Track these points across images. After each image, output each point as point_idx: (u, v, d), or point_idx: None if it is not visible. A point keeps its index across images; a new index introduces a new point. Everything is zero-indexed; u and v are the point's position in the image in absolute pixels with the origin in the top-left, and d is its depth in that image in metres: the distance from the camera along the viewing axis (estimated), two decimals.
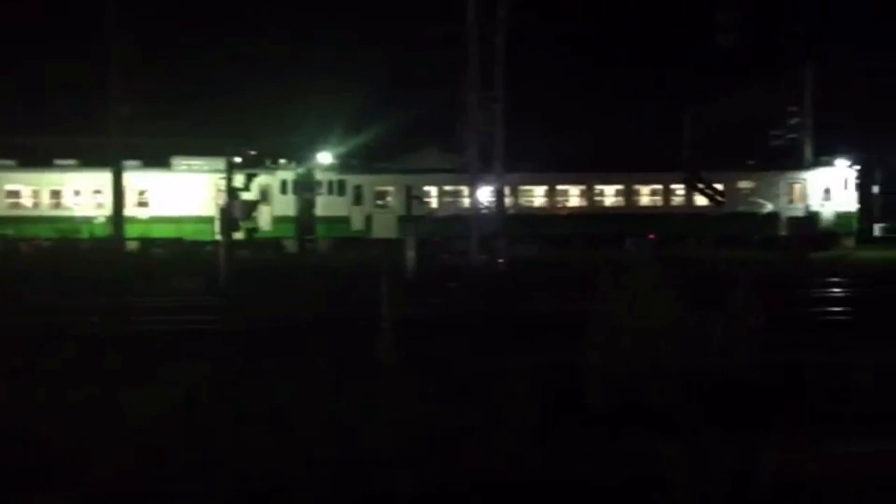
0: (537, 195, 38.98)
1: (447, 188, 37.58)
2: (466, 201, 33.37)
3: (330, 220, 36.68)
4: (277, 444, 5.32)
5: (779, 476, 4.42)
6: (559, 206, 38.77)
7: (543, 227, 36.49)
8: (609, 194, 39.07)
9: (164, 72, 39.42)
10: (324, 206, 36.83)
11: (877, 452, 5.07)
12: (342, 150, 39.51)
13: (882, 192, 43.85)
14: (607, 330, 6.40)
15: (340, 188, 37.33)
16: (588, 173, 38.80)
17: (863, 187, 40.55)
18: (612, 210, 38.30)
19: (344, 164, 38.56)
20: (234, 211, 25.55)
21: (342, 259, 31.08)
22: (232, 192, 26.71)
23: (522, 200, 38.38)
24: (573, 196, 39.17)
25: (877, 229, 41.88)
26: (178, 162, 36.39)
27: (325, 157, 38.52)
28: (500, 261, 27.98)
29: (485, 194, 31.81)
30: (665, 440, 4.98)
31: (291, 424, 5.74)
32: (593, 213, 37.81)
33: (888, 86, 43.89)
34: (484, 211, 31.06)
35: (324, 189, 37.02)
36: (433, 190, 38.12)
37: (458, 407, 6.15)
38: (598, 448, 5.05)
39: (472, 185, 31.51)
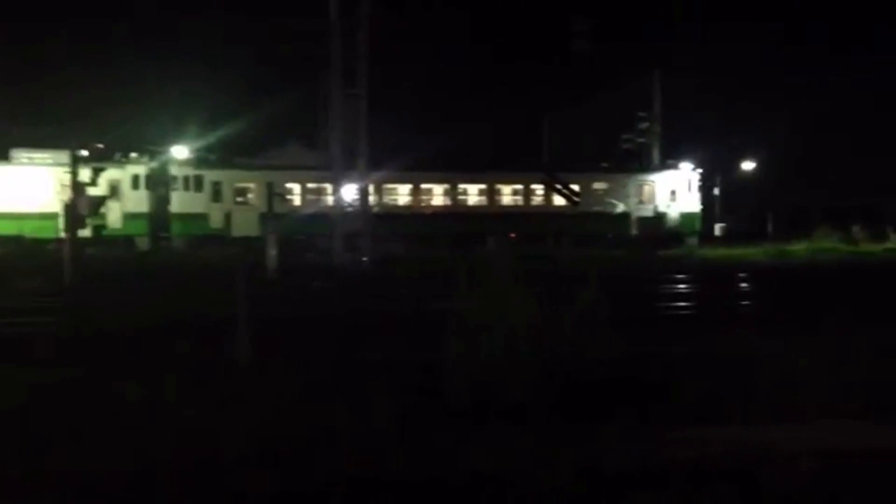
0: (402, 193, 39.17)
1: (311, 185, 37.05)
2: (330, 199, 33.01)
3: (186, 217, 35.29)
4: (122, 452, 5.03)
5: (624, 465, 4.62)
6: (423, 204, 39.13)
7: (408, 225, 36.69)
8: (472, 193, 39.84)
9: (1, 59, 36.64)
10: (180, 202, 35.38)
11: (715, 438, 5.41)
12: (200, 144, 38.09)
13: (722, 193, 47.13)
14: (465, 327, 6.48)
15: (198, 184, 35.97)
16: (452, 173, 39.42)
17: (705, 189, 43.42)
18: (475, 209, 39.07)
19: (202, 159, 37.20)
20: (80, 207, 24.12)
21: (198, 257, 29.95)
22: (77, 186, 25.19)
23: (387, 199, 38.44)
24: (437, 195, 39.66)
25: (717, 229, 44.96)
26: (19, 154, 33.90)
27: (180, 152, 37.00)
28: (364, 259, 27.90)
29: (349, 192, 31.59)
30: (519, 436, 5.10)
31: (138, 431, 5.46)
32: (457, 212, 38.42)
33: (728, 93, 47.16)
34: (348, 209, 30.85)
35: (179, 185, 35.55)
36: (296, 187, 37.47)
37: (316, 407, 6.05)
38: (455, 445, 5.10)
39: (336, 183, 31.22)
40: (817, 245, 34.12)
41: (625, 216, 39.98)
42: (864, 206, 44.25)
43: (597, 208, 39.75)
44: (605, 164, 43.00)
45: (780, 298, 16.81)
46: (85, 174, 27.81)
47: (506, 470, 4.50)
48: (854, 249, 33.72)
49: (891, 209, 44.90)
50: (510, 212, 39.01)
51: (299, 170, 37.43)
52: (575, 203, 39.54)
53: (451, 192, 39.42)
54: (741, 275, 24.07)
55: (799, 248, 33.48)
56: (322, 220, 31.91)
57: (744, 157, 50.06)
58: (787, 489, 4.39)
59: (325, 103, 30.49)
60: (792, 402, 6.44)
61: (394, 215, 36.68)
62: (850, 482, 4.58)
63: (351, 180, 30.88)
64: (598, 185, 40.72)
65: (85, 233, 30.00)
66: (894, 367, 7.26)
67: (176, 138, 37.62)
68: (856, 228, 37.63)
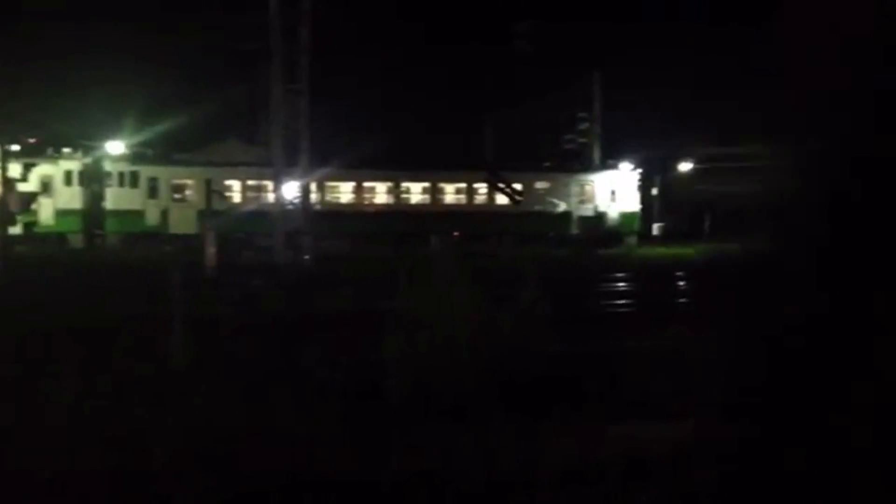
0: (344, 192, 38.92)
1: (251, 182, 36.52)
2: (271, 196, 32.55)
3: (121, 214, 34.42)
4: (51, 454, 4.88)
5: (563, 461, 4.67)
6: (367, 202, 38.96)
7: (351, 223, 36.48)
8: (416, 192, 39.80)
9: None
10: (115, 198, 34.49)
11: (652, 433, 5.51)
12: (136, 139, 37.17)
13: (660, 193, 48.10)
14: (407, 326, 6.48)
15: (133, 180, 35.12)
16: (395, 171, 39.29)
17: (644, 189, 44.22)
18: (418, 207, 39.05)
19: (138, 155, 36.33)
20: (10, 203, 23.32)
21: (134, 255, 29.25)
22: (7, 182, 24.34)
23: (329, 197, 38.15)
24: (380, 193, 39.50)
25: (656, 228, 45.84)
26: None
27: (115, 147, 36.04)
28: (306, 258, 27.61)
29: (290, 189, 31.20)
30: (460, 433, 5.12)
31: (68, 432, 5.30)
32: (400, 211, 38.34)
33: (666, 94, 48.07)
34: (289, 206, 30.46)
35: (114, 181, 34.68)
36: (236, 184, 36.91)
37: (255, 408, 5.96)
38: (396, 443, 5.09)
39: (277, 180, 30.80)
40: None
41: (566, 215, 40.44)
42: None
43: (539, 207, 40.12)
44: (547, 164, 43.44)
45: (713, 295, 17.21)
46: (15, 169, 26.91)
47: (446, 467, 4.51)
48: None
49: None
50: (453, 210, 39.11)
51: (239, 166, 36.85)
52: (517, 202, 39.84)
53: (395, 191, 39.32)
54: (678, 273, 24.58)
55: (734, 247, 34.34)
56: (262, 218, 31.43)
57: (682, 157, 51.15)
58: (722, 482, 4.50)
59: (265, 99, 30.06)
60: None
61: (336, 213, 36.41)
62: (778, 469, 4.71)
63: (292, 177, 30.46)
64: (540, 185, 41.09)
65: (15, 230, 29.07)
66: None
67: (111, 133, 36.64)
68: None
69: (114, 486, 4.48)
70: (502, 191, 40.10)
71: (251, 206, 35.35)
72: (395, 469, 4.58)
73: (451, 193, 40.25)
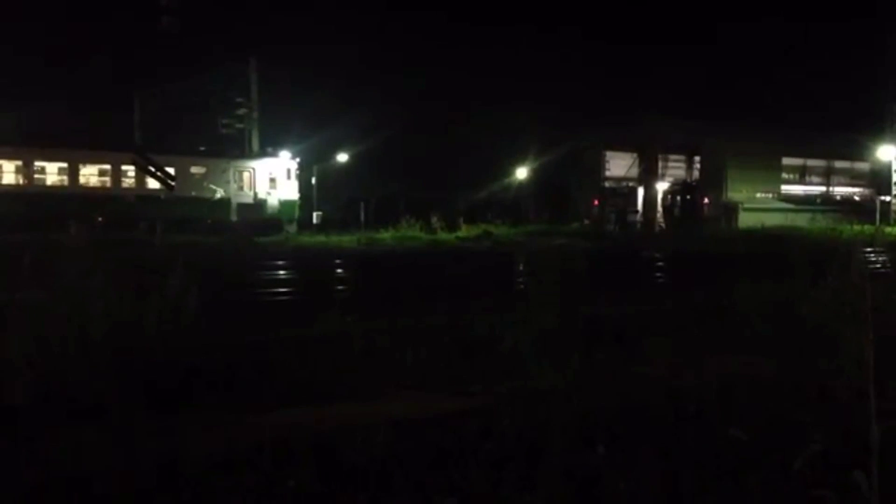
0: None
1: None
2: None
3: None
4: None
5: (209, 453, 4.52)
6: None
7: None
8: (51, 172, 35.87)
9: None
10: None
11: (301, 418, 5.57)
12: None
13: (319, 183, 49.01)
14: (33, 321, 5.77)
15: None
16: (25, 148, 35.01)
17: (303, 178, 44.64)
18: (54, 189, 35.26)
19: None
20: None
21: None
22: None
23: None
24: (8, 172, 35.00)
25: (315, 217, 46.60)
26: None
27: None
28: None
29: None
30: (97, 434, 4.71)
31: None
32: (33, 193, 34.28)
33: (326, 85, 49.09)
34: None
35: None
36: None
37: None
38: (19, 450, 4.52)
39: None
40: (402, 233, 37.20)
41: (224, 202, 39.35)
42: (441, 199, 49.51)
43: (195, 193, 38.50)
44: (202, 148, 41.84)
45: (369, 283, 17.99)
46: None
47: (79, 471, 4.11)
48: (433, 237, 37.46)
49: (462, 202, 51.05)
50: (97, 194, 35.92)
51: None
52: (170, 187, 37.78)
53: (26, 170, 35.03)
54: (336, 261, 25.21)
55: (386, 235, 36.18)
56: None
57: (340, 148, 52.67)
58: (364, 458, 4.69)
59: None
60: (376, 378, 6.93)
61: None
62: (420, 445, 5.05)
63: None
64: (195, 170, 39.38)
65: None
66: (460, 342, 8.25)
67: None
68: (434, 218, 41.78)
69: None
70: (153, 174, 37.67)
71: None
72: (17, 479, 4.06)
73: (94, 175, 36.93)
